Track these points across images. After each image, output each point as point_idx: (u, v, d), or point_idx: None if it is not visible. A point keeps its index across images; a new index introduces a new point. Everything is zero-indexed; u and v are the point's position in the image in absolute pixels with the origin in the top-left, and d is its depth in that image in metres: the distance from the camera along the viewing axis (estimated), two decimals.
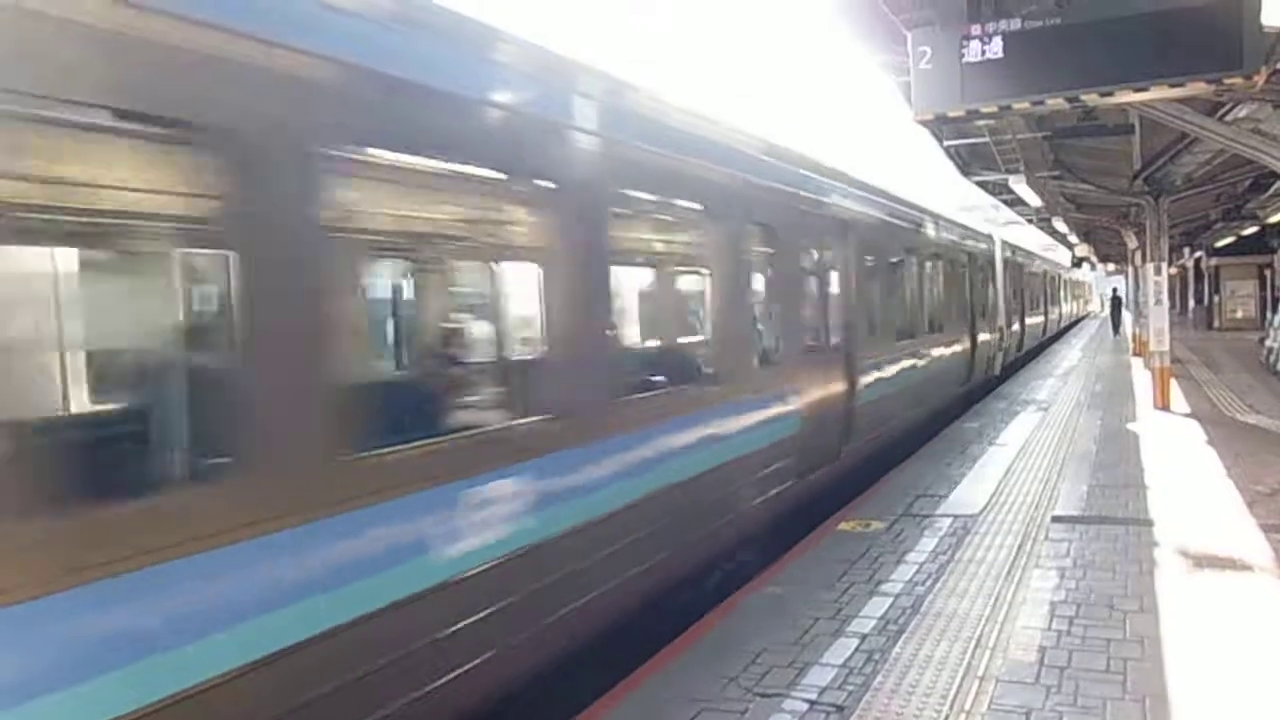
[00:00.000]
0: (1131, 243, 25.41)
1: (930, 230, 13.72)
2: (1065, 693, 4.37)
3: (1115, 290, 41.00)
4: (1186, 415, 13.29)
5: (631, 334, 6.63)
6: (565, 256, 4.86)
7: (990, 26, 6.59)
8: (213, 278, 3.62)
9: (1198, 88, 6.36)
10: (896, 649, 4.99)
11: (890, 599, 5.79)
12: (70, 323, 3.80)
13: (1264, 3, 6.03)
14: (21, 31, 2.58)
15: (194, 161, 3.16)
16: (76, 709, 2.59)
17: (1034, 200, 19.42)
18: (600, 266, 5.23)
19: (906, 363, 11.49)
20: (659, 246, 6.88)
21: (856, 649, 5.02)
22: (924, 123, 6.92)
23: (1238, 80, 6.11)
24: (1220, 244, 31.82)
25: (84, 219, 3.43)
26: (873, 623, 5.40)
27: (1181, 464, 9.80)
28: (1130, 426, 12.50)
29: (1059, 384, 18.49)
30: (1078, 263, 40.59)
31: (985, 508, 8.12)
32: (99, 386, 4.11)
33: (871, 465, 9.84)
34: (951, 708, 4.28)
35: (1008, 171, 16.48)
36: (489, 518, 4.14)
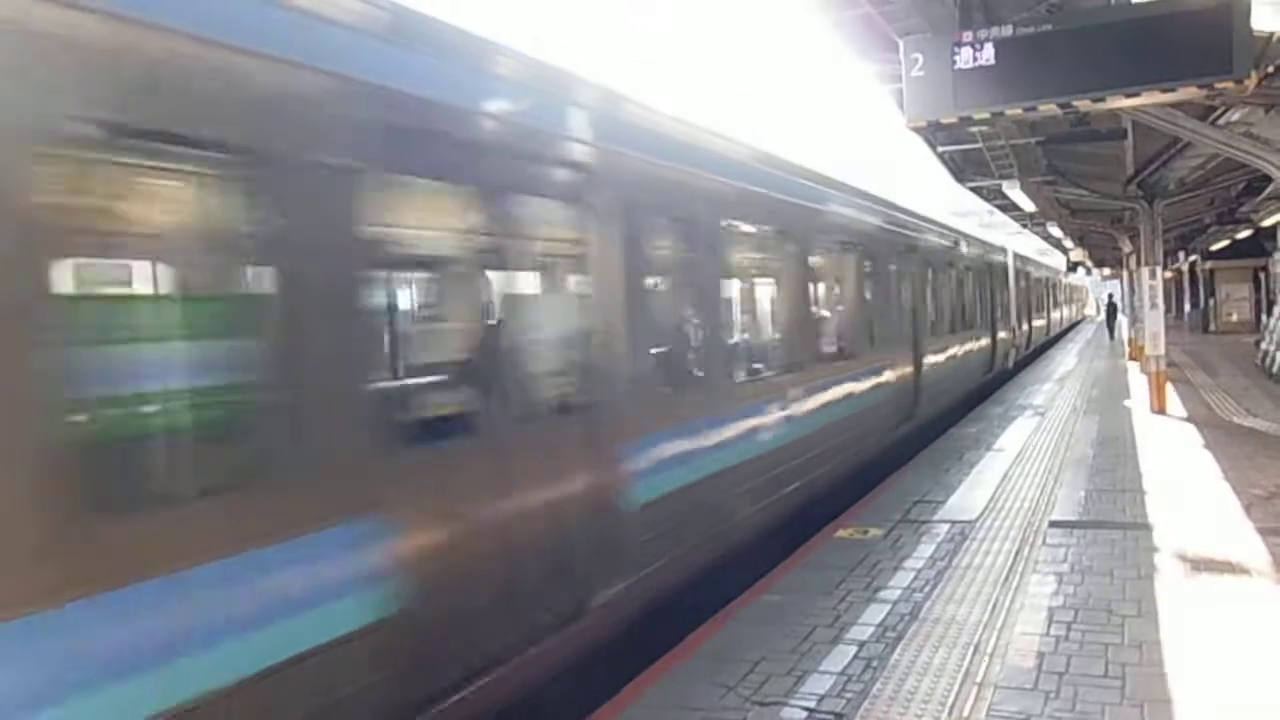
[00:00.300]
0: (1126, 247, 25.46)
1: (964, 247, 16.87)
2: (1064, 698, 4.36)
3: (1111, 296, 41.12)
4: (1183, 419, 13.29)
5: (832, 324, 9.76)
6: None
7: (982, 33, 6.63)
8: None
9: (1189, 92, 6.38)
10: (895, 656, 4.98)
11: (888, 606, 5.78)
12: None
13: (1254, 7, 6.07)
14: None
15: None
16: None
17: (1028, 205, 19.48)
18: (825, 286, 9.57)
19: (950, 352, 14.67)
20: (841, 274, 10.11)
21: (855, 656, 5.00)
22: (917, 129, 6.95)
23: (1229, 84, 6.13)
24: (1215, 248, 31.86)
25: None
26: (871, 630, 5.39)
27: (1178, 468, 9.80)
28: (1127, 431, 12.50)
29: (1055, 389, 18.50)
30: (1073, 267, 40.71)
31: (983, 513, 8.12)
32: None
33: (929, 428, 12.75)
34: (950, 714, 4.27)
35: (1001, 177, 16.54)
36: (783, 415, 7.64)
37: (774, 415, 7.43)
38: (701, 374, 6.69)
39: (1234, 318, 33.44)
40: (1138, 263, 18.84)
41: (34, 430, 2.56)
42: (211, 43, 3.08)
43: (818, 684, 4.67)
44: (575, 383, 5.03)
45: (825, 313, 9.47)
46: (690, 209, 6.33)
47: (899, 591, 6.05)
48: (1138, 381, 17.81)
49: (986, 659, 4.87)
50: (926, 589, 6.08)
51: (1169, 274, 35.35)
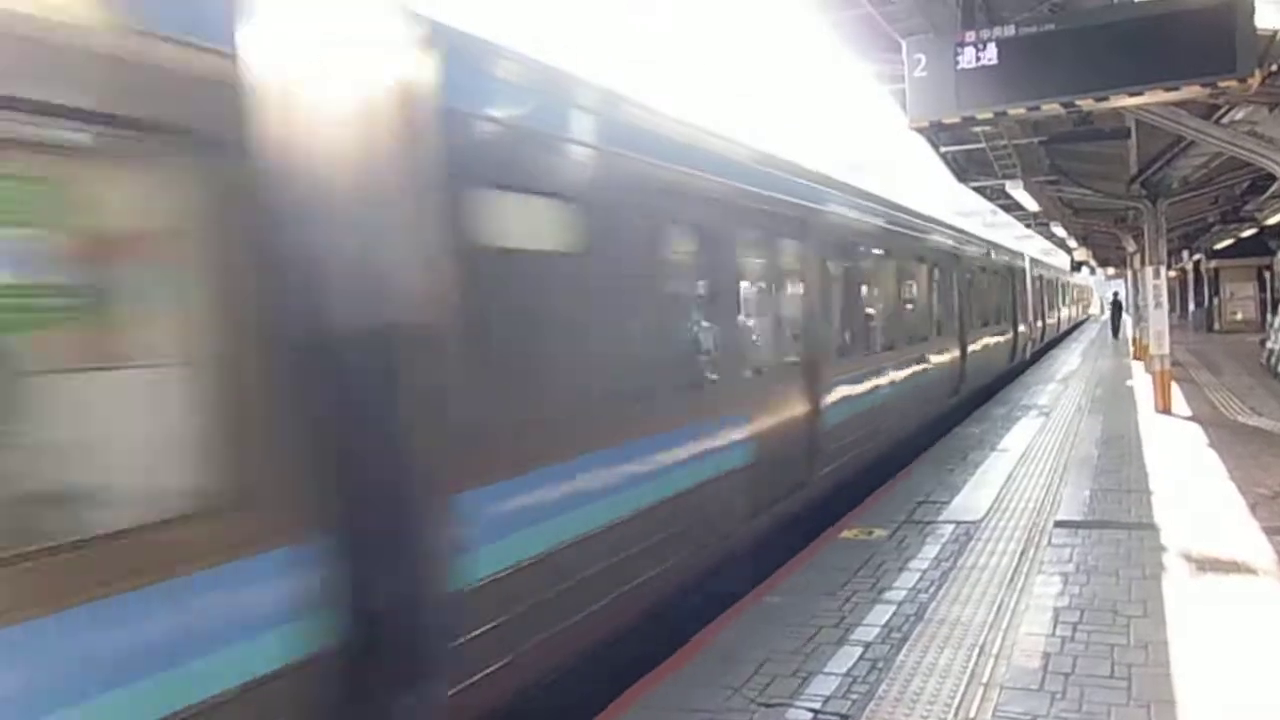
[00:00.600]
0: (1130, 246, 25.42)
1: (993, 254, 19.81)
2: (1070, 699, 4.36)
3: (1115, 294, 41.06)
4: (1188, 418, 13.27)
5: (917, 314, 12.94)
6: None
7: (984, 33, 6.62)
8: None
9: (1193, 91, 6.37)
10: (900, 657, 4.98)
11: (893, 606, 5.77)
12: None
13: (1257, 5, 6.06)
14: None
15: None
16: None
17: (1031, 205, 19.46)
18: (916, 289, 12.84)
19: (983, 343, 17.30)
20: (925, 281, 13.39)
21: (860, 657, 5.00)
22: (920, 129, 6.94)
23: (1233, 83, 6.12)
24: (1219, 246, 31.81)
25: None
26: (876, 630, 5.38)
27: (1183, 467, 9.78)
28: (1131, 430, 12.48)
29: (1059, 388, 18.48)
30: (1076, 267, 40.68)
31: (988, 514, 8.11)
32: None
33: (967, 406, 15.52)
34: (956, 715, 4.26)
35: (1004, 177, 16.51)
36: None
37: (905, 370, 11.39)
38: (876, 338, 10.63)
39: (1238, 316, 33.35)
40: (1142, 262, 18.82)
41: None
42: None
43: (823, 685, 4.67)
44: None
45: (912, 307, 12.78)
46: (868, 247, 10.52)
47: (904, 592, 6.04)
48: (1142, 381, 17.78)
49: (992, 660, 4.86)
50: (931, 590, 6.07)
51: (1173, 273, 35.32)
